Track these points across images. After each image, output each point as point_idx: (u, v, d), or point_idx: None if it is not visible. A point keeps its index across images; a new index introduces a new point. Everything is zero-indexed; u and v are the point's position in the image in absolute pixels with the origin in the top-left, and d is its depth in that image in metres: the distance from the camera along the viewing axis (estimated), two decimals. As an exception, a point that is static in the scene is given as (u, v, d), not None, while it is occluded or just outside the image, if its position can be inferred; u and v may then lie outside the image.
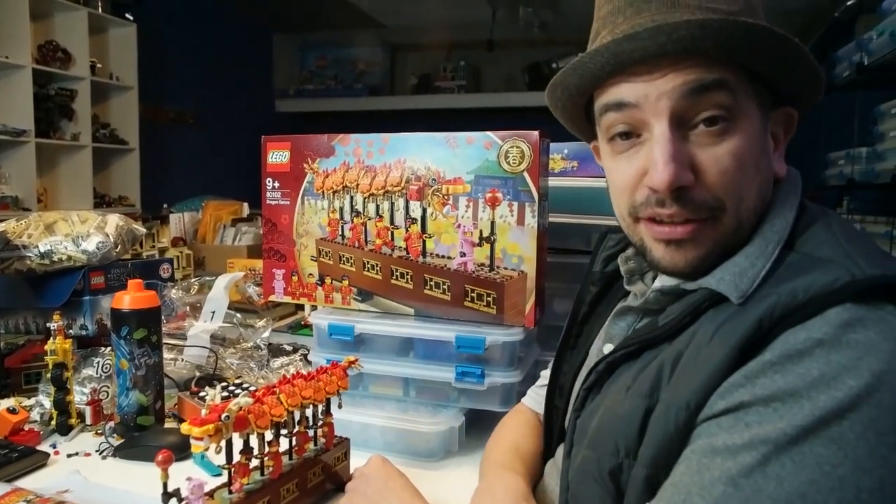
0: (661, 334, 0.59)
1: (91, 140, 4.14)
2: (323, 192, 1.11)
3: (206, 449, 0.65)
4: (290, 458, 0.80)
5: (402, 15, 5.76)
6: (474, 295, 1.02)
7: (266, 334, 1.36)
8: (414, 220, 1.05)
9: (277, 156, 1.14)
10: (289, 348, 1.41)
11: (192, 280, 1.51)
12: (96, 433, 1.04)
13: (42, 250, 1.23)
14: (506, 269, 1.00)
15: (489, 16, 5.45)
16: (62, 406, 1.03)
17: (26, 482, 0.88)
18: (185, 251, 2.30)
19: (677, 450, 0.52)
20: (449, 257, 1.03)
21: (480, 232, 1.01)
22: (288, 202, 1.14)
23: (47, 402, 1.06)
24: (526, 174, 0.97)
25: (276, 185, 1.14)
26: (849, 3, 3.96)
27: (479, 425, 1.02)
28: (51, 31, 3.98)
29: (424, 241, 1.04)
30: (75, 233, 1.27)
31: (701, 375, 0.51)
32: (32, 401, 1.10)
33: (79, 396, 1.08)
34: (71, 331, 1.24)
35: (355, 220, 1.09)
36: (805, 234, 0.57)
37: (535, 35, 5.62)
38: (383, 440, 0.98)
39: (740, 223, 0.58)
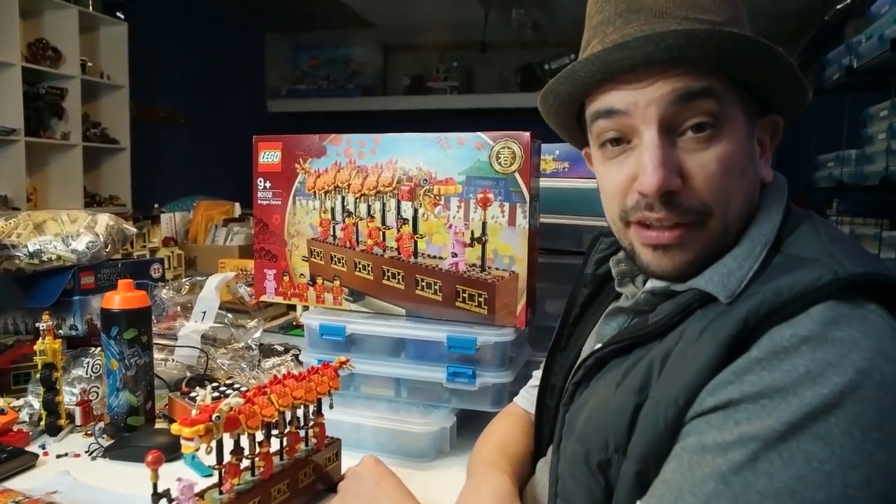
0: (651, 332, 0.60)
1: (81, 139, 4.11)
2: (314, 192, 1.11)
3: (197, 449, 0.65)
4: (281, 459, 0.80)
5: (394, 15, 5.76)
6: (466, 295, 1.02)
7: (257, 335, 1.35)
8: (405, 221, 1.05)
9: (269, 156, 1.14)
10: (280, 349, 1.41)
11: (183, 280, 1.50)
12: (86, 434, 1.04)
13: (31, 250, 1.22)
14: (497, 269, 1.00)
15: (482, 17, 5.46)
16: (51, 407, 1.02)
17: (15, 483, 0.87)
18: (176, 251, 2.29)
19: (667, 446, 0.53)
20: (440, 258, 1.03)
21: (472, 232, 1.01)
22: (279, 202, 1.13)
23: (36, 403, 1.06)
24: (517, 175, 0.98)
25: (268, 185, 1.14)
26: (839, 6, 4.00)
27: (470, 426, 1.02)
28: (41, 29, 3.95)
29: (416, 242, 1.04)
30: (65, 232, 1.26)
31: (689, 372, 0.53)
32: (21, 401, 1.10)
33: (68, 397, 1.07)
34: (60, 331, 1.24)
35: (347, 220, 1.09)
36: (791, 236, 0.59)
37: (527, 36, 5.63)
38: (375, 440, 0.98)
39: (727, 227, 0.60)
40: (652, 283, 0.66)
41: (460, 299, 1.03)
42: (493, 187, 0.99)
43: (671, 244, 0.60)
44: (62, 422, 1.03)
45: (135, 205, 4.40)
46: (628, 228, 0.63)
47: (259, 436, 0.75)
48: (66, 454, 0.97)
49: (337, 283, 1.11)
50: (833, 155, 3.69)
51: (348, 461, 0.87)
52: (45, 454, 0.96)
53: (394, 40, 6.49)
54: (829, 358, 0.47)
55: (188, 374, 1.24)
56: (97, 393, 1.10)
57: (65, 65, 3.99)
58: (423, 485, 0.82)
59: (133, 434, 1.00)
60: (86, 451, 0.98)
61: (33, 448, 0.97)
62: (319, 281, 1.13)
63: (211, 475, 0.73)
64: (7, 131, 3.60)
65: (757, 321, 0.51)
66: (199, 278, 1.49)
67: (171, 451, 0.87)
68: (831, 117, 3.43)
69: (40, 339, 1.01)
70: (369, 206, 1.07)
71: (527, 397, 0.90)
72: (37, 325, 1.03)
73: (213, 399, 0.72)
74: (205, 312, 1.36)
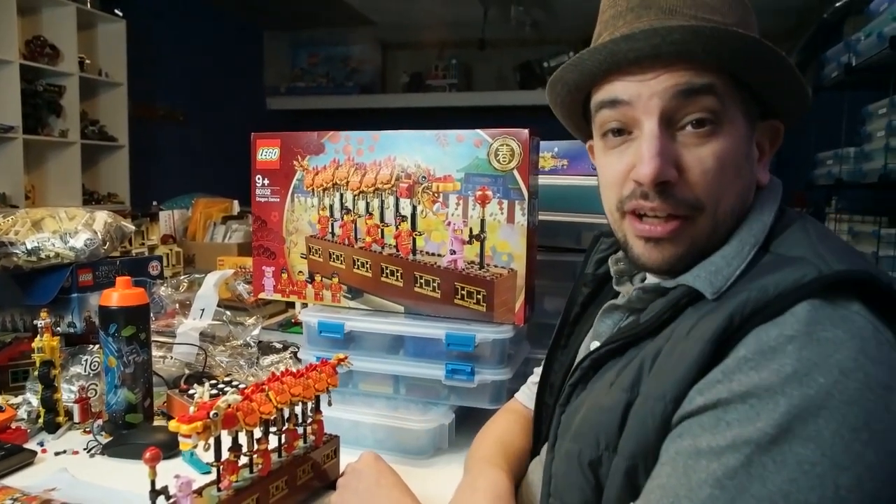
0: (643, 331, 0.61)
1: (80, 137, 4.10)
2: (313, 189, 1.10)
3: (195, 446, 0.65)
4: (280, 456, 0.80)
5: (394, 13, 5.75)
6: (464, 292, 1.02)
7: (256, 332, 1.35)
8: (404, 218, 1.05)
9: (267, 153, 1.13)
10: (278, 346, 1.41)
11: (182, 277, 1.50)
12: (84, 431, 1.04)
13: (29, 247, 1.22)
14: (496, 266, 1.00)
15: (481, 15, 5.45)
16: (50, 404, 1.02)
17: (13, 480, 0.87)
18: (174, 249, 2.29)
19: (655, 442, 0.54)
20: (439, 255, 1.03)
21: (470, 230, 1.01)
22: (278, 199, 1.13)
23: (35, 400, 1.06)
24: (516, 172, 0.98)
25: (266, 182, 1.14)
26: (837, 4, 4.00)
27: (468, 423, 1.02)
28: (38, 27, 3.94)
29: (414, 239, 1.04)
30: (63, 230, 1.26)
31: (678, 369, 0.53)
32: (20, 399, 1.10)
33: (66, 394, 1.07)
34: (59, 328, 1.23)
35: (345, 217, 1.09)
36: (781, 236, 0.60)
37: (526, 34, 5.63)
38: (373, 438, 0.98)
39: (717, 224, 0.61)
40: (644, 281, 0.67)
41: (459, 296, 1.03)
42: (492, 184, 0.99)
43: (663, 238, 0.61)
44: (60, 419, 1.03)
45: (133, 202, 4.39)
46: (623, 219, 0.64)
47: (257, 433, 0.75)
48: (64, 451, 0.97)
49: (335, 280, 1.11)
50: (832, 152, 3.69)
51: (347, 458, 0.87)
52: (44, 451, 0.97)
53: (393, 38, 6.48)
54: (815, 357, 0.48)
55: (186, 372, 1.23)
56: (95, 390, 1.10)
57: (63, 62, 3.97)
58: (422, 482, 0.82)
59: (131, 431, 1.00)
60: (84, 449, 0.98)
61: (32, 445, 0.97)
62: (318, 278, 1.13)
63: (209, 472, 0.73)
64: (5, 129, 3.59)
65: (742, 318, 0.52)
66: (197, 276, 1.49)
67: (170, 448, 0.87)
68: (830, 115, 3.43)
69: (38, 336, 1.01)
70: (368, 204, 1.07)
71: (528, 394, 0.91)
72: (35, 322, 1.03)
73: (212, 396, 0.72)
74: (203, 310, 1.36)
